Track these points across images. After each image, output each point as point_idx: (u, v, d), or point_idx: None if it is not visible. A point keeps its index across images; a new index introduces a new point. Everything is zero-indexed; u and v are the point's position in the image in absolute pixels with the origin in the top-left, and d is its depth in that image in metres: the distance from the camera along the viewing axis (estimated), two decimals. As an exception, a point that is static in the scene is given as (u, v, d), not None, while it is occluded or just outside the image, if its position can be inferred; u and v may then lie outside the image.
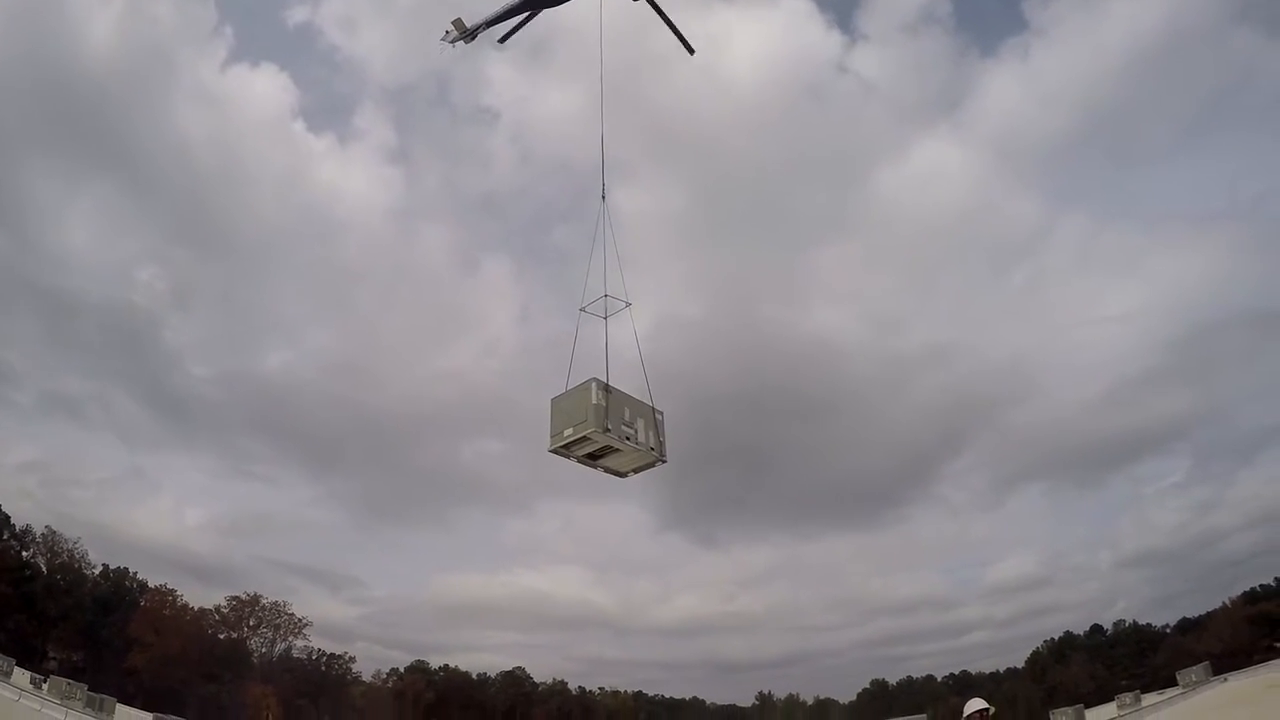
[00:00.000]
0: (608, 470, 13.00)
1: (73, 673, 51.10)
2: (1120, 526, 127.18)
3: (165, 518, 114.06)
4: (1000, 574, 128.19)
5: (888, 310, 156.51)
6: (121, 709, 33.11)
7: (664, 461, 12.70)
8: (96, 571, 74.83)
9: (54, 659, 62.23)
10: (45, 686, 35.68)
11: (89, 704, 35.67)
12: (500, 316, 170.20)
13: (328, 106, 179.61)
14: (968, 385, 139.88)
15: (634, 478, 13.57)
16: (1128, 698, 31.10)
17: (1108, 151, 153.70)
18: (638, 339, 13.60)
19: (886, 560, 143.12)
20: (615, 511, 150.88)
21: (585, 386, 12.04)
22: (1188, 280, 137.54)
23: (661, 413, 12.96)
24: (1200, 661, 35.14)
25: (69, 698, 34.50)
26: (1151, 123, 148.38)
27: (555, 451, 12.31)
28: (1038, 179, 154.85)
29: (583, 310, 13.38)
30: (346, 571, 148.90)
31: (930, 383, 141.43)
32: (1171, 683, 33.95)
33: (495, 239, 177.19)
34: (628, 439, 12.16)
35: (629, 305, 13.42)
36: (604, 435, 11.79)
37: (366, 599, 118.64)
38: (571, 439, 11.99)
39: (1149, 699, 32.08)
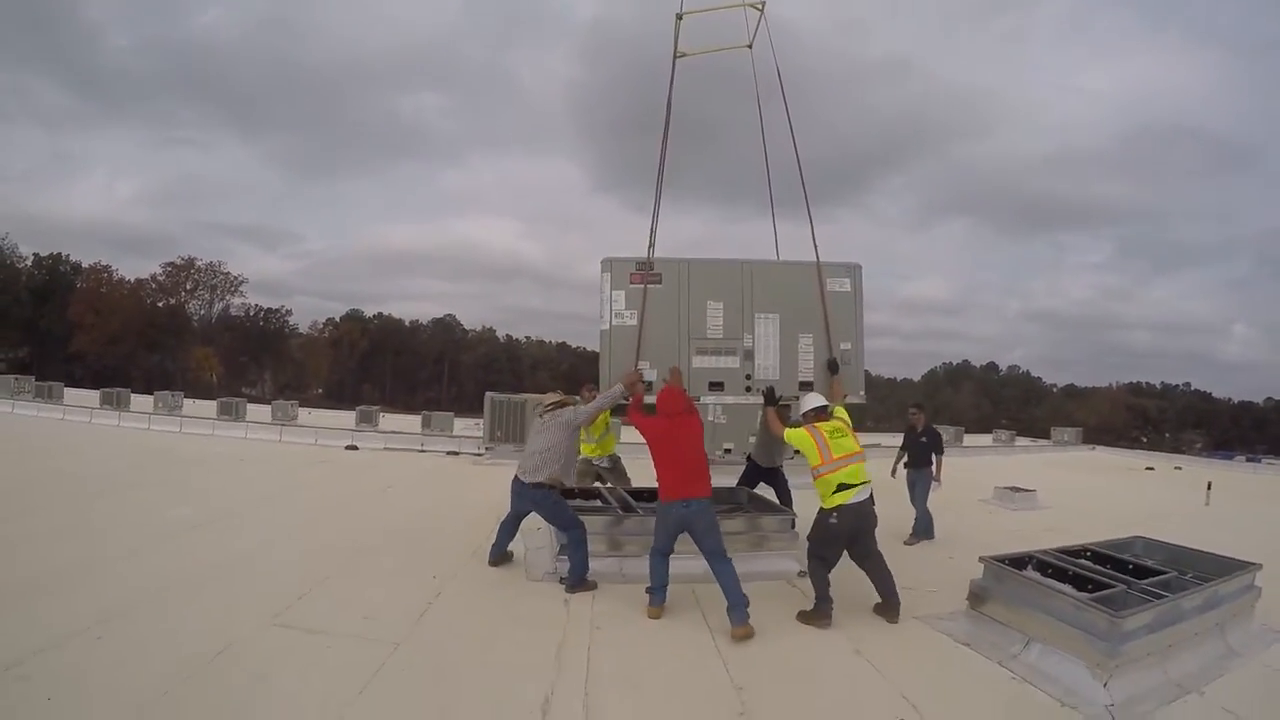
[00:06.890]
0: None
1: (20, 368, 50.93)
2: (1034, 283, 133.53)
3: (96, 196, 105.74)
4: (915, 290, 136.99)
5: (856, 13, 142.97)
6: (70, 392, 33.66)
7: (858, 398, 6.15)
8: (29, 263, 70.08)
9: (1, 360, 61.80)
10: (-7, 388, 35.66)
11: (38, 393, 35.96)
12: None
13: None
14: (921, 107, 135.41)
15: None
16: (1004, 435, 34.42)
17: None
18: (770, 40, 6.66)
19: (809, 253, 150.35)
20: (549, 167, 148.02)
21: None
22: (1165, 84, 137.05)
23: (854, 270, 6.32)
24: (1075, 427, 39.93)
25: (19, 392, 34.81)
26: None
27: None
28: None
29: None
30: (282, 227, 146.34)
31: (885, 94, 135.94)
32: (1045, 436, 38.25)
33: None
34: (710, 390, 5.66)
35: None
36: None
37: (302, 253, 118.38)
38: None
39: (1022, 441, 35.91)
